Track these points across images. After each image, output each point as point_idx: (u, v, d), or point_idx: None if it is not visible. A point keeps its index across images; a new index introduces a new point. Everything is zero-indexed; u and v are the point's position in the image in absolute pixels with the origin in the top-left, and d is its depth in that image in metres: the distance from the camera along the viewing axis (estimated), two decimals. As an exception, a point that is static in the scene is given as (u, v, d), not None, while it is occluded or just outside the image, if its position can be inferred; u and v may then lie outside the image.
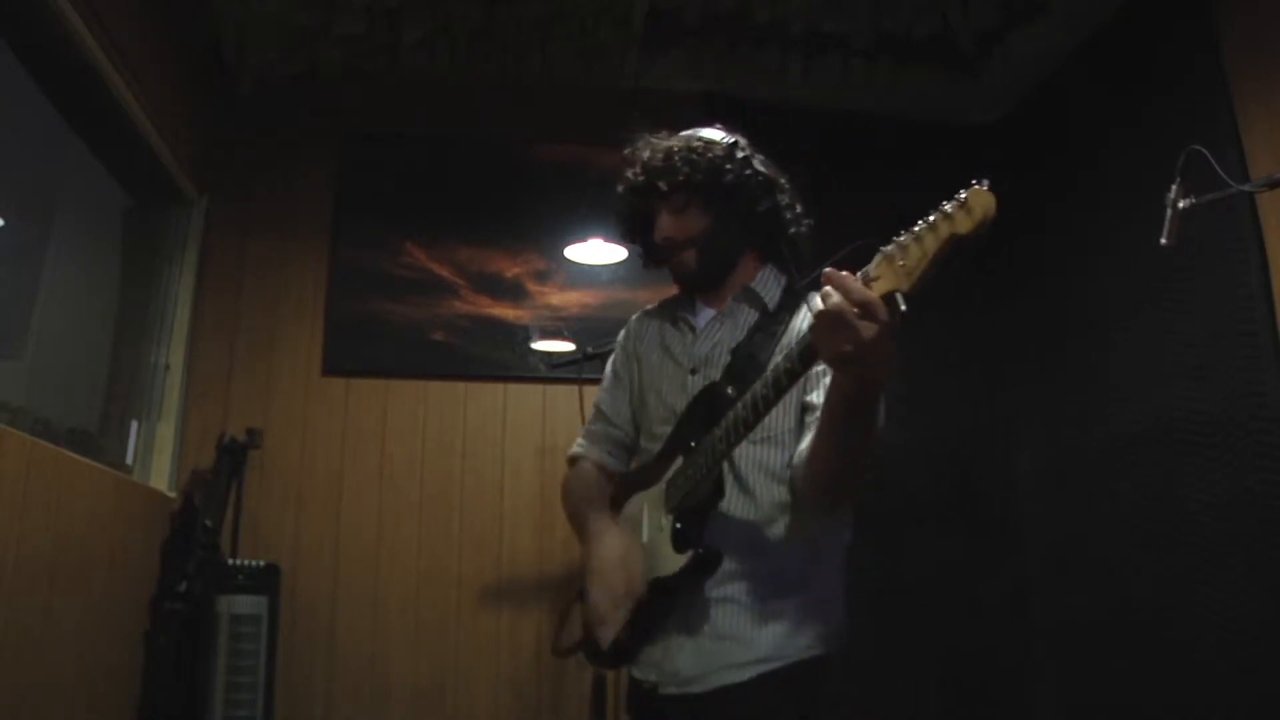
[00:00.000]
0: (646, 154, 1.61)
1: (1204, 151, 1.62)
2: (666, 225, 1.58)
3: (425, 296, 3.19)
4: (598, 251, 3.30)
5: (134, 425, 2.88)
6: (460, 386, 3.16)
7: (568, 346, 3.16)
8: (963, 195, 0.96)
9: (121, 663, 2.45)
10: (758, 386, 1.27)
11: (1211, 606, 2.29)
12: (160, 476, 2.87)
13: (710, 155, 1.55)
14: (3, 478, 1.78)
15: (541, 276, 3.28)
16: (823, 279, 1.08)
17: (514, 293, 3.25)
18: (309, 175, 3.24)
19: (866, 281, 1.05)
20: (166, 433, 2.93)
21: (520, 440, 3.14)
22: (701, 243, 1.57)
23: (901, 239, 1.02)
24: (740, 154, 1.57)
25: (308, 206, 3.22)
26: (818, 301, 1.08)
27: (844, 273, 1.07)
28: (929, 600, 2.96)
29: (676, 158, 1.55)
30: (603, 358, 2.78)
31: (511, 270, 3.27)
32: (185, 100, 2.91)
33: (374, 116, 3.34)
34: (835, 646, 1.46)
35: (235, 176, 3.19)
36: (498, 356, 3.19)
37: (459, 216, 3.28)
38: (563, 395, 3.12)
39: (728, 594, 1.45)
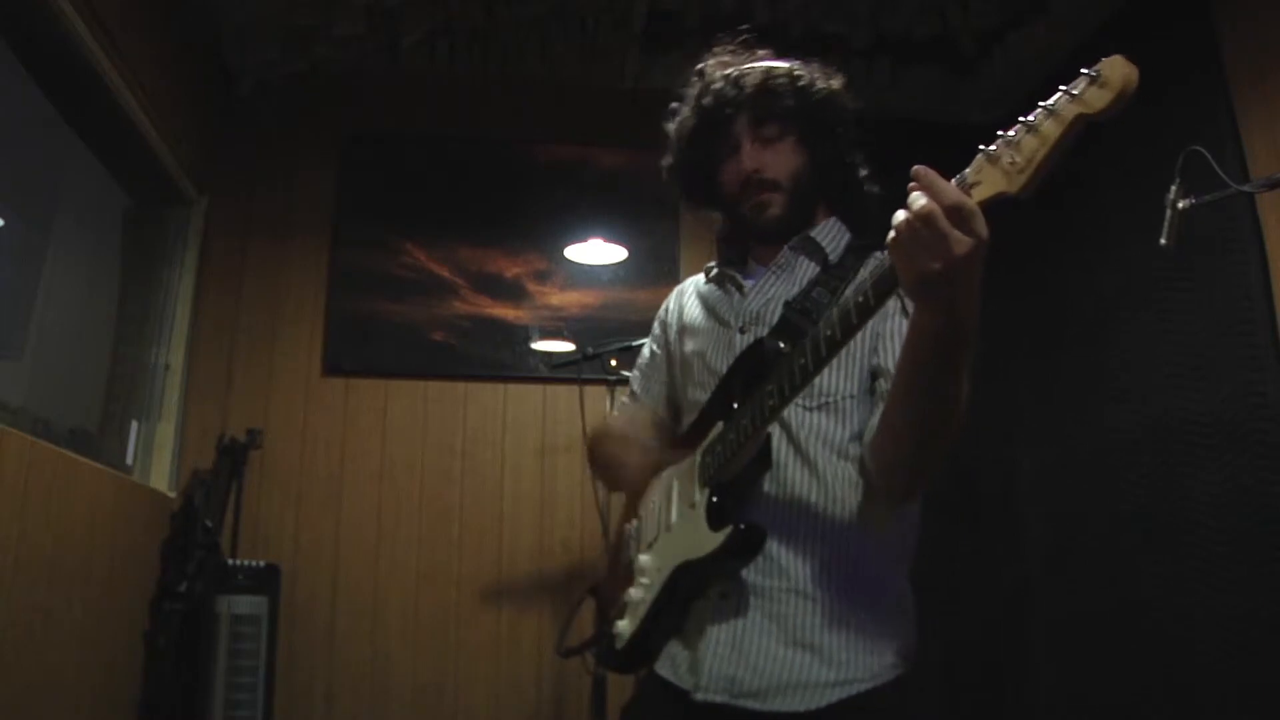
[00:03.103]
0: (732, 71, 1.35)
1: (1204, 151, 1.62)
2: (758, 157, 1.33)
3: (425, 296, 3.19)
4: (598, 251, 3.31)
5: (134, 425, 2.88)
6: (460, 386, 3.16)
7: (568, 346, 3.16)
8: (1095, 69, 0.78)
9: (121, 663, 2.45)
10: (821, 327, 1.04)
11: (1211, 606, 2.29)
12: (160, 476, 2.87)
13: (820, 89, 1.34)
14: (3, 478, 1.78)
15: (541, 276, 3.28)
16: (912, 175, 0.89)
17: (514, 293, 3.25)
18: (309, 175, 3.24)
19: (964, 188, 0.87)
20: (166, 433, 2.93)
21: (520, 440, 3.14)
22: (791, 185, 1.34)
23: (1009, 133, 0.83)
24: (849, 97, 1.37)
25: (308, 206, 3.22)
26: (901, 214, 0.89)
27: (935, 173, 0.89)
28: (930, 595, 2.96)
29: (780, 81, 1.32)
30: (603, 358, 2.80)
31: (511, 270, 3.27)
32: (185, 100, 2.91)
33: (374, 116, 3.34)
34: (910, 665, 1.24)
35: (235, 176, 3.19)
36: (498, 356, 3.19)
37: (459, 216, 3.28)
38: (563, 395, 3.13)
39: (798, 586, 1.21)
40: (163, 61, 2.72)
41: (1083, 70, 0.79)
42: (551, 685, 2.93)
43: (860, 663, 1.18)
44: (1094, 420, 2.82)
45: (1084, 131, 0.79)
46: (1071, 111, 0.79)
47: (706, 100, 1.37)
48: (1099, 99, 0.78)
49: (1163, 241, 1.66)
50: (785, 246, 1.37)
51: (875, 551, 1.24)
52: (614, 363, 2.82)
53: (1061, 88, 0.80)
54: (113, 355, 2.92)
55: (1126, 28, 2.82)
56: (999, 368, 3.26)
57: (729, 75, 1.35)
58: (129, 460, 2.83)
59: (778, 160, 1.34)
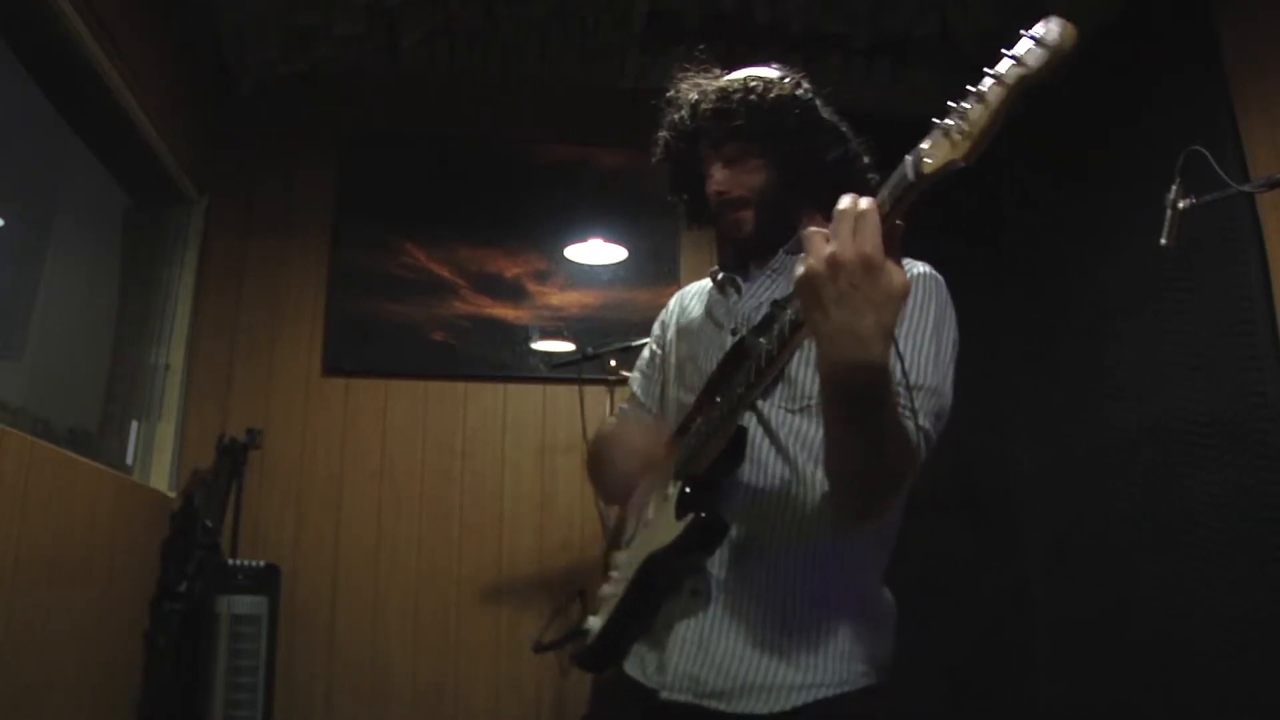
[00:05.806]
0: (694, 95, 1.37)
1: (1204, 151, 1.62)
2: (719, 179, 1.35)
3: (425, 296, 3.19)
4: (598, 251, 3.31)
5: (134, 425, 2.88)
6: (460, 386, 3.16)
7: (568, 346, 3.16)
8: (1035, 31, 0.78)
9: (121, 663, 2.45)
10: (789, 311, 1.03)
11: (1211, 606, 2.29)
12: (160, 476, 2.87)
13: (772, 96, 1.31)
14: (3, 478, 1.78)
15: (541, 276, 3.28)
16: (802, 239, 0.90)
17: (514, 293, 3.25)
18: (309, 175, 3.25)
19: (918, 160, 0.86)
20: (166, 433, 2.93)
21: (520, 440, 3.14)
22: (759, 200, 1.34)
23: (963, 102, 0.82)
24: (806, 95, 1.34)
25: (308, 206, 3.22)
26: (813, 259, 0.89)
27: (818, 230, 0.89)
28: (929, 595, 2.96)
29: (733, 99, 1.32)
30: (603, 358, 2.80)
31: (511, 270, 3.27)
32: (185, 100, 2.92)
33: (374, 116, 3.34)
34: (886, 679, 1.21)
35: (235, 176, 3.20)
36: (498, 356, 3.19)
37: (459, 216, 3.28)
38: (563, 395, 3.13)
39: (768, 586, 1.20)
40: (163, 61, 2.72)
41: (1022, 32, 0.80)
42: (551, 685, 2.93)
43: (828, 667, 1.17)
44: (1093, 419, 2.82)
45: (1027, 94, 0.80)
46: (1014, 75, 0.79)
47: (670, 135, 1.40)
48: (1036, 59, 0.78)
49: (1163, 241, 1.66)
50: (781, 250, 1.37)
51: (848, 557, 1.23)
52: (614, 363, 2.82)
53: (1005, 52, 0.81)
54: (113, 355, 2.92)
55: (1126, 28, 2.82)
56: (1000, 366, 3.26)
57: (688, 100, 1.37)
58: (129, 460, 2.83)
59: (741, 178, 1.34)
